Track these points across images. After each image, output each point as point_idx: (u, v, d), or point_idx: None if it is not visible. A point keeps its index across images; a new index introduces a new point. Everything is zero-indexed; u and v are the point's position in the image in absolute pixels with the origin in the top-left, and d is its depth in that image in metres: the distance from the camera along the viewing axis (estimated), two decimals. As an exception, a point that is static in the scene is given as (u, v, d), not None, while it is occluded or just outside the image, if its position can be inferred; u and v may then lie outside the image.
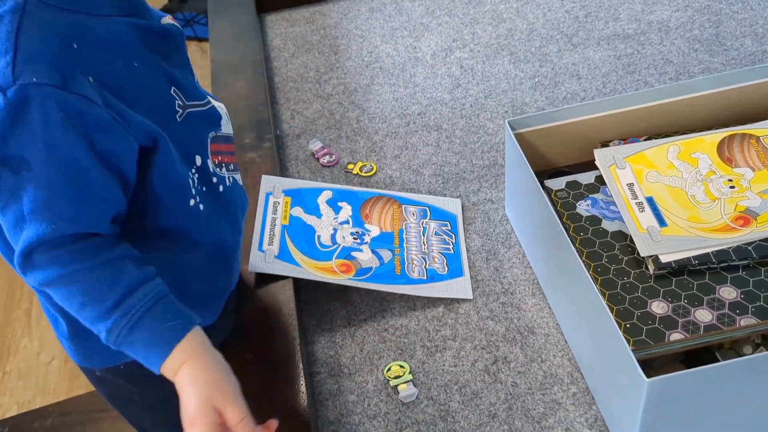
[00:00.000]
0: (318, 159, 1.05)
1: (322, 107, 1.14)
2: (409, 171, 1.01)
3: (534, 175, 0.78)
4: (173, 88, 0.59)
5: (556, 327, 0.80)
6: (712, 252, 0.73)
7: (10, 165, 0.48)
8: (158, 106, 0.57)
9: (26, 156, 0.48)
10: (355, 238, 0.88)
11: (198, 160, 0.62)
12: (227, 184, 0.67)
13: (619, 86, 1.09)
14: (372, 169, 1.02)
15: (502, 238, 0.90)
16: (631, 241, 0.76)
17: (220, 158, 0.66)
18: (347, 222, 0.90)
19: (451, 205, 0.94)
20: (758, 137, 0.83)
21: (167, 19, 0.61)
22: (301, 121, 1.12)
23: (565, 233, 0.73)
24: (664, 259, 0.73)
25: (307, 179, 1.01)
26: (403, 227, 0.90)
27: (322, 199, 0.93)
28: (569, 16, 1.24)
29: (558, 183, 0.85)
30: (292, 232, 0.87)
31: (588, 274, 0.69)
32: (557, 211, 0.82)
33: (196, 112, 0.62)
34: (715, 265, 0.72)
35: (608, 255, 0.76)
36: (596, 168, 0.84)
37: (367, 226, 0.90)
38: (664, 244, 0.74)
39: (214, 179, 0.65)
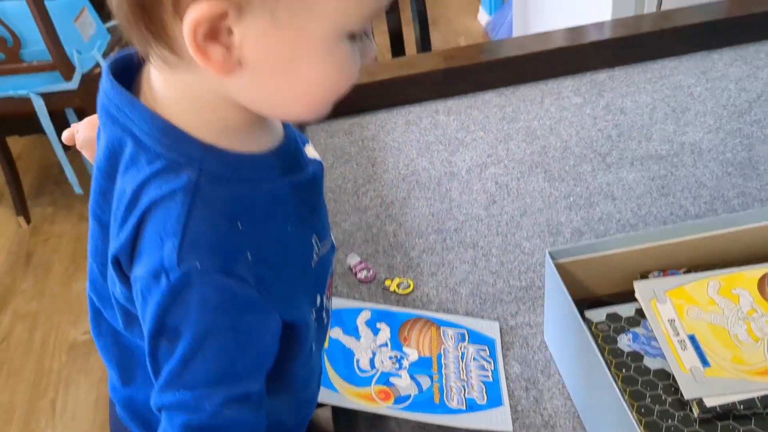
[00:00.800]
0: (355, 274, 1.06)
1: (359, 220, 1.16)
2: (446, 289, 1.02)
3: (576, 310, 0.78)
4: (314, 236, 0.59)
5: (598, 465, 0.79)
6: (758, 397, 0.72)
7: (167, 335, 0.50)
8: (301, 261, 0.57)
9: (182, 329, 0.50)
10: (393, 363, 0.88)
11: (318, 300, 0.62)
12: (330, 315, 0.67)
13: (654, 209, 1.10)
14: (409, 286, 1.03)
15: (541, 366, 0.90)
16: (674, 380, 0.75)
17: (328, 292, 0.67)
18: (386, 345, 0.90)
19: (489, 329, 0.95)
20: (800, 275, 0.83)
21: (311, 151, 0.61)
22: (339, 234, 1.14)
23: (608, 371, 0.73)
24: (709, 403, 0.73)
25: (345, 296, 1.02)
26: (442, 351, 0.91)
27: (361, 320, 0.93)
28: (602, 135, 1.27)
29: (599, 315, 0.85)
30: (332, 355, 0.87)
31: (632, 416, 0.69)
32: (598, 345, 0.82)
33: (326, 253, 0.63)
34: (761, 411, 0.72)
35: (652, 395, 0.76)
36: (636, 299, 0.84)
37: (405, 349, 0.90)
38: (709, 386, 0.74)
39: (324, 315, 0.65)
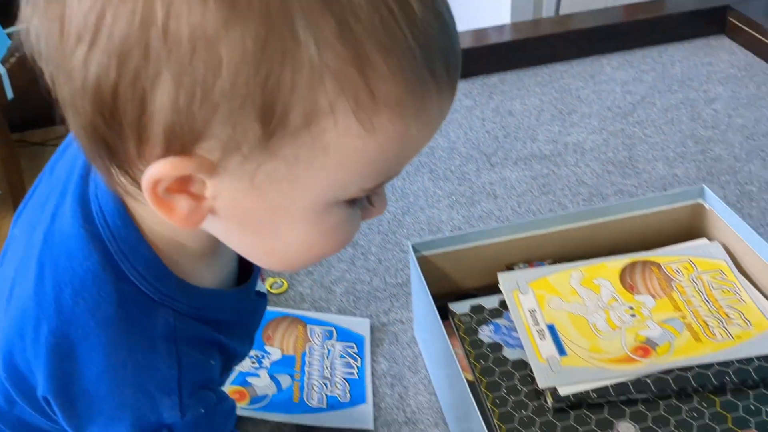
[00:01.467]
0: (228, 274, 1.02)
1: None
2: (320, 288, 0.99)
3: (431, 301, 0.76)
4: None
5: (457, 461, 0.76)
6: (611, 385, 0.71)
7: None
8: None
9: None
10: (253, 362, 0.84)
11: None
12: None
13: (534, 206, 1.10)
14: (282, 285, 0.99)
15: (409, 362, 0.87)
16: (532, 370, 0.74)
17: None
18: (248, 344, 0.86)
19: (360, 326, 0.91)
20: (659, 264, 0.83)
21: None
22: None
23: (456, 363, 0.70)
24: (563, 391, 0.71)
25: (214, 296, 0.98)
26: (307, 350, 0.87)
27: (223, 319, 0.89)
28: (489, 136, 1.26)
29: (462, 307, 0.83)
30: (187, 354, 0.83)
31: (476, 409, 0.66)
32: (460, 336, 0.80)
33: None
34: (615, 399, 0.70)
35: (508, 385, 0.74)
36: (500, 291, 0.83)
37: (267, 348, 0.86)
38: (564, 375, 0.72)
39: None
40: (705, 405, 0.70)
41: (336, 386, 0.83)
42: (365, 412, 0.81)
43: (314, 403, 0.81)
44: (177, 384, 0.45)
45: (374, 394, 0.84)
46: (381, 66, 0.35)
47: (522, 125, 1.28)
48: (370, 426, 0.80)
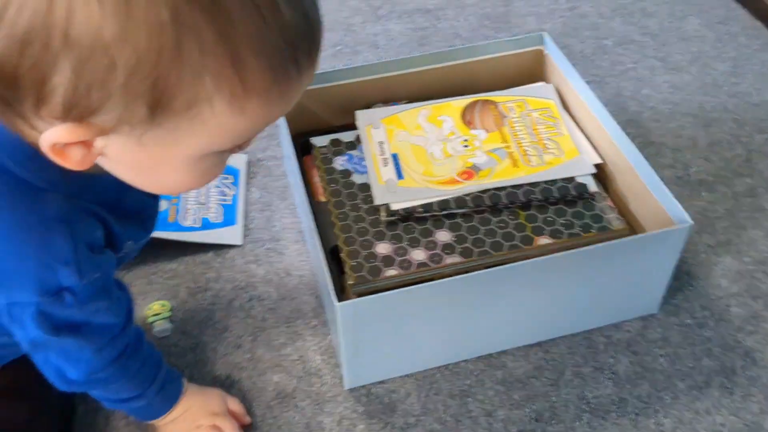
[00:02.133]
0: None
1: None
2: (207, 129, 1.07)
3: (288, 132, 0.86)
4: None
5: (309, 269, 0.88)
6: (436, 201, 0.83)
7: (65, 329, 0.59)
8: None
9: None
10: (135, 189, 0.93)
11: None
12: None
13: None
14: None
15: (279, 192, 0.98)
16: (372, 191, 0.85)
17: None
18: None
19: (237, 161, 1.01)
20: (496, 103, 0.93)
21: None
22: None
23: (302, 185, 0.81)
24: (394, 207, 0.82)
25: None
26: (186, 180, 0.97)
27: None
28: (379, -10, 1.33)
29: (322, 140, 0.93)
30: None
31: (313, 225, 0.77)
32: (317, 166, 0.90)
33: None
34: (438, 213, 0.82)
35: (351, 204, 0.85)
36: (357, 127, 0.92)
37: (149, 178, 0.96)
38: (398, 194, 0.83)
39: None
40: (512, 217, 0.82)
41: (210, 210, 0.94)
42: (235, 231, 0.92)
43: (188, 222, 0.92)
44: (73, 254, 0.54)
45: (245, 218, 0.95)
46: (253, 65, 0.44)
47: (411, -20, 1.34)
48: (239, 242, 0.91)
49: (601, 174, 0.87)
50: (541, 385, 0.77)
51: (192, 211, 0.93)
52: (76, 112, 0.44)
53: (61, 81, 0.43)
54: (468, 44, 1.19)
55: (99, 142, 0.48)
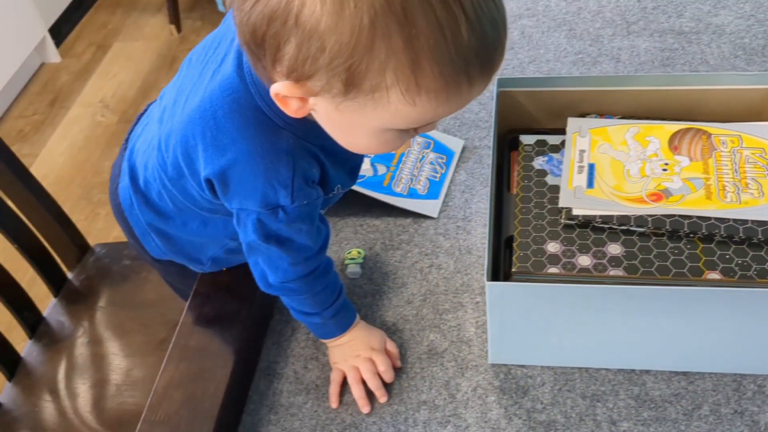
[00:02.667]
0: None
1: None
2: (439, 111, 1.19)
3: (495, 128, 0.94)
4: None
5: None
6: (617, 215, 0.86)
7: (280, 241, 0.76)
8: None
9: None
10: (362, 151, 1.08)
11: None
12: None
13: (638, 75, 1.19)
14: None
15: (482, 178, 1.07)
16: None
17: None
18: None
19: (454, 144, 1.12)
20: (710, 134, 0.93)
21: None
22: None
23: (493, 176, 0.89)
24: (576, 211, 0.88)
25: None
26: (406, 152, 1.09)
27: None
28: (638, 6, 1.34)
29: (530, 139, 1.00)
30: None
31: (492, 209, 0.85)
32: (518, 161, 0.97)
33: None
34: (616, 226, 0.86)
35: (537, 201, 0.91)
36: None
37: (377, 144, 1.10)
38: (582, 201, 0.88)
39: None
40: (688, 246, 0.83)
41: (419, 182, 1.06)
42: (435, 205, 1.03)
43: (399, 189, 1.05)
44: (291, 182, 0.71)
45: (447, 195, 1.05)
46: (428, 70, 0.55)
47: (674, 0, 1.34)
48: (435, 215, 1.02)
49: (801, 225, 0.85)
50: (674, 412, 0.78)
51: (404, 180, 1.06)
52: (295, 74, 0.59)
53: (289, 50, 0.58)
54: (712, 71, 1.18)
55: (311, 101, 0.63)
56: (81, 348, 1.28)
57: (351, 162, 0.83)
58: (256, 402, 0.84)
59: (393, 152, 1.04)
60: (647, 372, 0.82)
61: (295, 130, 0.70)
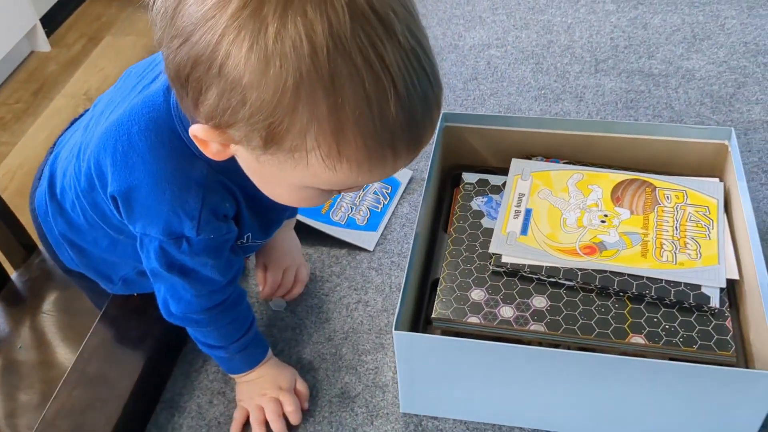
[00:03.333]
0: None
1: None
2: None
3: (432, 164, 0.90)
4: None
5: (419, 292, 0.93)
6: (546, 266, 0.83)
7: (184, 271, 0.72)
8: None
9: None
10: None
11: None
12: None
13: (611, 117, 1.16)
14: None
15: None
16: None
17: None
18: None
19: (402, 174, 1.08)
20: (655, 187, 0.90)
21: None
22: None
23: (421, 213, 0.85)
24: (505, 259, 0.84)
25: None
26: (350, 179, 1.06)
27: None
28: (610, 44, 1.30)
29: (472, 178, 0.96)
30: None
31: (416, 252, 0.82)
32: (457, 200, 0.94)
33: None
34: (544, 278, 0.82)
35: (469, 244, 0.88)
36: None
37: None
38: (513, 248, 0.85)
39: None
40: (616, 306, 0.79)
41: (359, 212, 1.02)
42: (372, 237, 1.00)
43: (336, 218, 1.01)
44: (198, 213, 0.68)
45: (386, 227, 1.01)
46: (351, 140, 0.53)
47: (648, 40, 1.30)
48: (370, 248, 0.99)
49: (737, 291, 0.81)
50: (584, 481, 0.75)
51: (344, 208, 1.02)
52: (214, 122, 0.56)
53: (210, 97, 0.55)
54: (677, 118, 1.14)
55: (232, 147, 0.60)
56: (13, 353, 1.24)
57: (271, 215, 0.80)
58: (154, 436, 0.81)
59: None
60: (563, 435, 0.78)
61: (213, 163, 0.67)
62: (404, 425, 0.80)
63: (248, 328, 0.80)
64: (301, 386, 0.83)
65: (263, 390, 0.81)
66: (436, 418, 0.80)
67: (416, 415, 0.81)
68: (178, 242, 0.70)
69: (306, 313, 0.92)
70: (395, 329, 0.72)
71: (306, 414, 0.82)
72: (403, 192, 1.06)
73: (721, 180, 0.91)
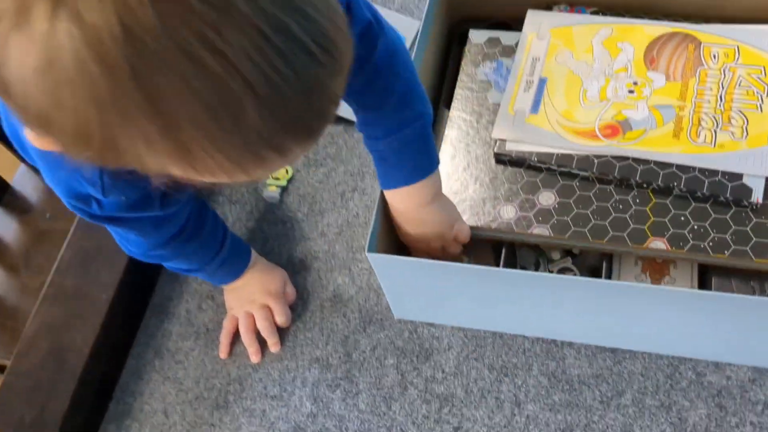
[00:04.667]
0: None
1: None
2: None
3: (428, 25, 0.76)
4: None
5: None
6: (558, 154, 0.70)
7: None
8: None
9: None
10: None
11: None
12: None
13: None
14: None
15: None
16: (501, 117, 0.74)
17: None
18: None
19: (407, 27, 0.93)
20: (699, 42, 0.73)
21: None
22: None
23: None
24: (509, 146, 0.72)
25: None
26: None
27: None
28: None
29: (481, 36, 0.81)
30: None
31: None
32: (462, 68, 0.80)
33: None
34: (554, 168, 0.70)
35: (470, 123, 0.75)
36: (527, 29, 0.79)
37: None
38: (520, 131, 0.72)
39: None
40: (638, 201, 0.67)
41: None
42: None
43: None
44: (99, 179, 0.54)
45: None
46: (209, 160, 0.37)
47: None
48: (369, 123, 0.87)
49: (788, 178, 0.67)
50: (590, 398, 0.68)
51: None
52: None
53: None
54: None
55: None
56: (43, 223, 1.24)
57: None
58: (143, 344, 0.78)
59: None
60: (570, 345, 0.70)
61: None
62: (398, 333, 0.74)
63: (221, 245, 0.73)
64: (290, 290, 0.77)
65: (252, 296, 0.76)
66: (432, 325, 0.74)
67: (411, 322, 0.74)
68: (88, 202, 0.59)
69: (298, 203, 0.84)
70: (368, 251, 0.63)
71: (296, 321, 0.77)
72: (408, 49, 0.92)
73: (788, 27, 0.73)
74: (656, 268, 0.69)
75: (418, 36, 0.74)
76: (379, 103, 0.64)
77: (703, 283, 0.67)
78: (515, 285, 0.63)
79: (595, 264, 0.71)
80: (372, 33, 0.62)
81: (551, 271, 0.72)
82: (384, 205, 0.68)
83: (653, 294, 0.59)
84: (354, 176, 0.84)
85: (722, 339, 0.65)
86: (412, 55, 0.72)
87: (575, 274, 0.71)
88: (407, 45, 0.92)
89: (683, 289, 0.62)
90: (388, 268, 0.65)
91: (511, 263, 0.71)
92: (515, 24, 0.82)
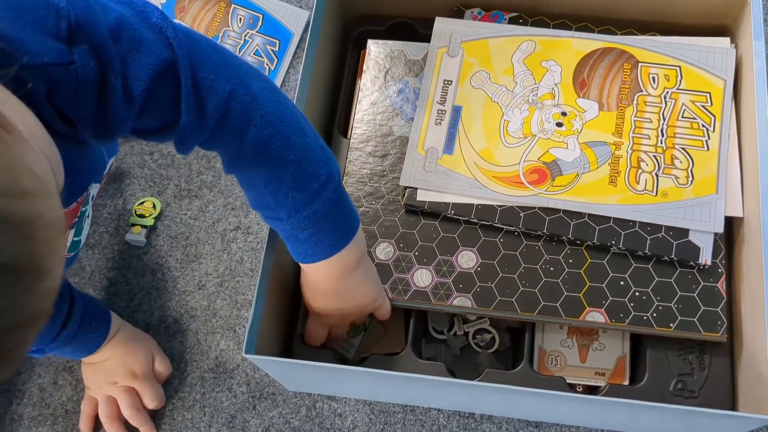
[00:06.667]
0: None
1: None
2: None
3: (318, 30, 0.62)
4: None
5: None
6: (477, 205, 0.59)
7: None
8: None
9: None
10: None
11: None
12: None
13: None
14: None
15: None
16: (408, 154, 0.62)
17: None
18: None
19: (294, 20, 0.79)
20: (637, 62, 0.63)
21: None
22: None
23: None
24: (420, 196, 0.60)
25: None
26: (220, 34, 0.77)
27: None
28: None
29: (381, 49, 0.68)
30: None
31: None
32: (360, 86, 0.67)
33: None
34: (475, 221, 0.60)
35: (375, 164, 0.63)
36: (436, 38, 0.66)
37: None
38: (432, 176, 0.61)
39: None
40: (572, 262, 0.58)
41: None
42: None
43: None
44: None
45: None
46: None
47: None
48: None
49: (735, 234, 0.59)
50: (517, 485, 0.60)
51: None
52: None
53: None
54: None
55: None
56: None
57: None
58: (-16, 437, 0.64)
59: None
60: (489, 419, 0.62)
61: None
62: (294, 409, 0.63)
63: (66, 319, 0.58)
64: (160, 365, 0.64)
65: (113, 377, 0.63)
66: (333, 399, 0.63)
67: (309, 395, 0.63)
68: None
69: (169, 247, 0.70)
70: (245, 352, 0.51)
71: (173, 397, 0.64)
72: (298, 46, 0.78)
73: (732, 41, 0.63)
74: (584, 332, 0.61)
75: (308, 36, 0.61)
76: (273, 181, 0.51)
77: (637, 351, 0.59)
78: (417, 386, 0.53)
79: (515, 326, 0.62)
80: (239, 121, 0.48)
81: (466, 333, 0.62)
82: (272, 271, 0.56)
83: (559, 400, 0.51)
84: (236, 210, 0.71)
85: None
86: (302, 59, 0.59)
87: (493, 337, 0.61)
88: (295, 41, 0.78)
89: (583, 396, 0.53)
90: (274, 368, 0.53)
91: (421, 325, 0.61)
92: (420, 24, 0.70)
